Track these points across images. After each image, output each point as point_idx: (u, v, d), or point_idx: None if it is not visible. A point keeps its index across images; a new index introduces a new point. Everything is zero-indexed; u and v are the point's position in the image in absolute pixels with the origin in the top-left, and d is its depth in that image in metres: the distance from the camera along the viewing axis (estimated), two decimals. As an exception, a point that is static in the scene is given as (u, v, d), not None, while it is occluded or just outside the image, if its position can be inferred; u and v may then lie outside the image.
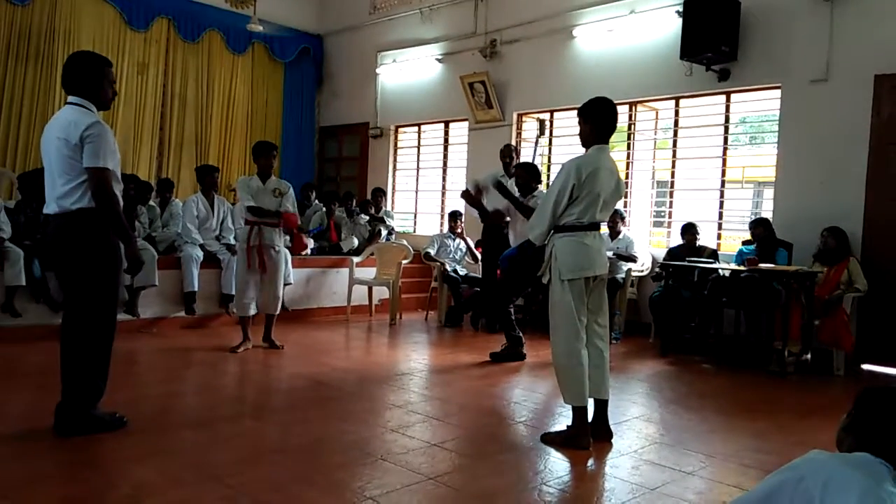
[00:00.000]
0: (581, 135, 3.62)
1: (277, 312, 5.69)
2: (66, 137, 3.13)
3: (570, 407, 3.52)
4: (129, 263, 3.32)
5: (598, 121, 3.54)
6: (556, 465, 3.28)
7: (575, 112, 8.07)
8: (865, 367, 5.73)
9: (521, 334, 5.73)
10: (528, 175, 5.79)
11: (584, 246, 3.49)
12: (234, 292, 6.69)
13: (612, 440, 3.57)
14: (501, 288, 5.83)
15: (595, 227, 3.56)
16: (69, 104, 3.26)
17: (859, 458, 1.57)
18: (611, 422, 3.64)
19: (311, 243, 7.82)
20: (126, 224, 3.29)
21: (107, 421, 3.35)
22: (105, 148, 3.14)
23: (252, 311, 5.66)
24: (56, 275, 3.43)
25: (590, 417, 3.54)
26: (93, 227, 3.19)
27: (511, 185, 6.71)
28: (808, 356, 5.54)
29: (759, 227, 6.05)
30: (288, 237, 5.76)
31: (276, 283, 5.58)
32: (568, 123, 8.15)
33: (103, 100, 3.33)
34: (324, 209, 8.59)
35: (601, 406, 3.59)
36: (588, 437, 3.45)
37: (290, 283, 7.07)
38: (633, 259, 6.88)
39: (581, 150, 3.66)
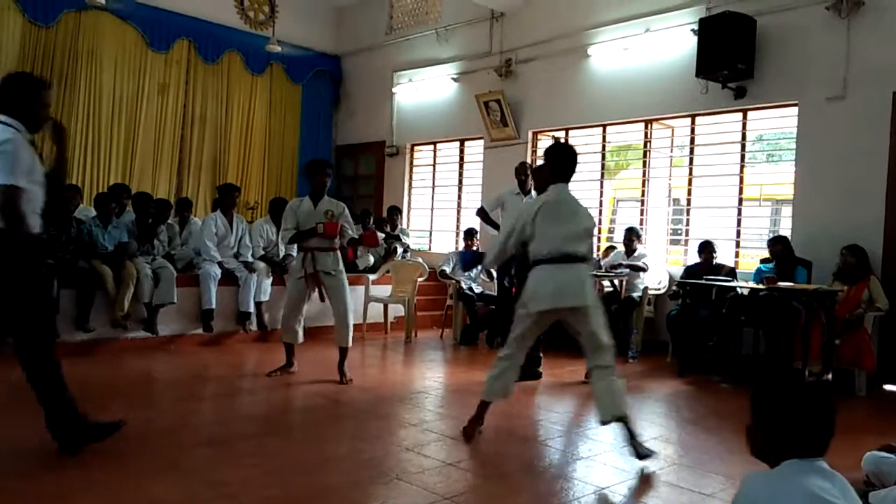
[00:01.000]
0: (541, 178, 4.03)
1: (349, 345, 5.26)
2: None
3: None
4: None
5: (553, 164, 3.88)
6: (573, 486, 3.25)
7: (590, 130, 8.14)
8: (888, 387, 5.63)
9: (541, 354, 5.69)
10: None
11: (546, 279, 3.65)
12: (251, 309, 6.77)
13: (652, 456, 3.54)
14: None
15: (565, 258, 3.65)
16: None
17: (791, 469, 1.65)
18: (628, 442, 3.59)
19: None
20: (33, 243, 3.17)
21: (103, 426, 3.30)
22: (16, 164, 3.01)
23: (300, 340, 5.39)
24: None
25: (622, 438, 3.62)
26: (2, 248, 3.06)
27: (527, 202, 6.74)
28: (829, 376, 5.45)
29: (778, 245, 6.00)
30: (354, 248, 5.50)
31: (344, 312, 5.21)
32: (583, 141, 8.16)
33: (33, 122, 3.24)
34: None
35: (624, 424, 3.58)
36: (473, 427, 3.82)
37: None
38: (642, 269, 6.85)
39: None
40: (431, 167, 10.06)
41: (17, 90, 3.22)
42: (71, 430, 3.25)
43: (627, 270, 6.81)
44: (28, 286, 3.17)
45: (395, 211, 9.10)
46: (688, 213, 7.37)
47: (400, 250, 8.51)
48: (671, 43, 7.12)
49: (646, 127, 7.52)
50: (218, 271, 6.59)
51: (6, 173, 3.01)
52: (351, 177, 11.36)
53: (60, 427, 3.24)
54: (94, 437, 3.28)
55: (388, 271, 8.01)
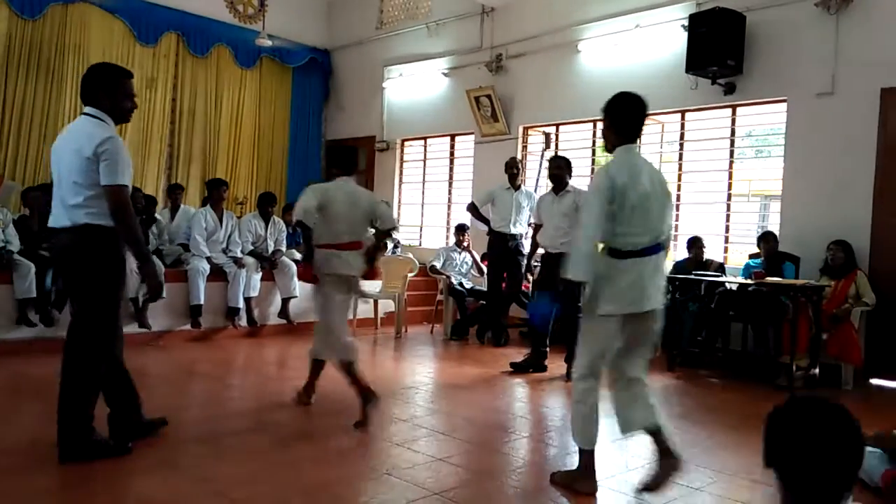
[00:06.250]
0: (603, 137, 3.21)
1: None
2: (78, 149, 3.05)
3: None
4: (148, 286, 3.28)
5: (616, 119, 3.10)
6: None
7: (580, 125, 8.09)
8: (874, 381, 5.68)
9: (547, 349, 5.74)
10: (566, 167, 5.72)
11: (634, 277, 2.94)
12: (240, 305, 6.74)
13: (682, 466, 3.06)
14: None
15: (654, 251, 2.99)
16: (84, 115, 3.19)
17: None
18: (618, 436, 3.58)
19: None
20: (144, 242, 3.24)
21: (109, 446, 3.22)
22: (122, 164, 3.07)
23: None
24: (65, 289, 3.37)
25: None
26: (101, 244, 3.12)
27: (516, 198, 6.76)
28: (816, 370, 5.49)
29: (771, 241, 6.02)
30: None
31: None
32: (573, 137, 8.17)
33: (121, 112, 3.25)
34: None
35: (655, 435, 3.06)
36: (592, 482, 3.05)
37: (296, 297, 7.08)
38: None
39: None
40: (422, 162, 10.03)
41: (102, 81, 3.20)
42: (78, 441, 3.11)
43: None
44: (112, 284, 3.19)
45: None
46: (677, 209, 7.38)
47: (390, 246, 8.49)
48: (661, 39, 7.13)
49: (636, 122, 7.52)
50: (206, 266, 6.55)
51: (115, 173, 3.05)
52: (341, 172, 11.30)
53: (68, 435, 3.11)
54: (98, 455, 3.14)
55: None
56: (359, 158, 4.15)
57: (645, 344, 3.10)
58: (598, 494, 3.09)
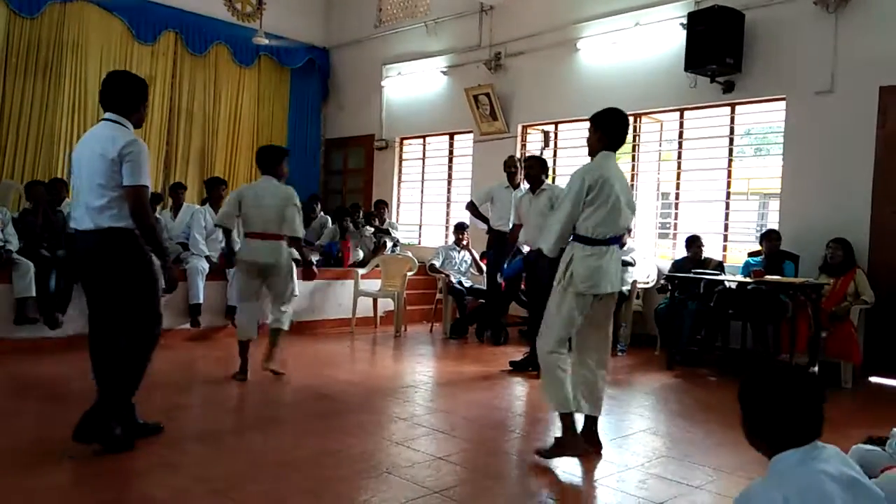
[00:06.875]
0: (588, 143, 3.59)
1: None
2: (102, 153, 3.13)
3: (577, 421, 3.48)
4: (166, 282, 3.37)
5: (607, 130, 3.49)
6: (563, 479, 3.26)
7: (579, 124, 8.10)
8: (873, 379, 5.69)
9: None
10: (540, 168, 5.76)
11: (601, 262, 3.39)
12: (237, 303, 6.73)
13: (602, 452, 3.53)
14: (535, 303, 5.88)
15: (615, 241, 3.47)
16: (106, 120, 3.28)
17: (789, 464, 1.60)
18: (617, 435, 3.62)
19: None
20: (163, 241, 3.33)
21: (120, 440, 3.26)
22: (144, 166, 3.18)
23: None
24: (85, 290, 3.39)
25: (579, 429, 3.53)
26: (127, 246, 3.19)
27: (515, 196, 6.76)
28: (815, 368, 5.50)
29: (774, 239, 6.02)
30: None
31: None
32: (572, 135, 8.16)
33: (140, 119, 3.39)
34: (330, 222, 8.60)
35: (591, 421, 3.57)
36: (577, 443, 3.38)
37: (296, 296, 7.06)
38: (629, 264, 6.87)
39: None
40: (421, 161, 10.03)
41: (128, 89, 3.35)
42: (101, 427, 3.18)
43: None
44: (145, 284, 3.30)
45: (382, 204, 9.06)
46: (676, 207, 7.39)
47: (389, 244, 8.49)
48: (660, 37, 7.13)
49: (635, 121, 7.51)
50: (206, 265, 6.55)
51: (137, 175, 3.17)
52: (340, 170, 11.32)
53: (96, 418, 3.17)
54: (110, 447, 3.19)
55: (377, 265, 8.00)
56: (276, 158, 4.83)
57: (604, 325, 3.60)
58: (598, 494, 3.09)
